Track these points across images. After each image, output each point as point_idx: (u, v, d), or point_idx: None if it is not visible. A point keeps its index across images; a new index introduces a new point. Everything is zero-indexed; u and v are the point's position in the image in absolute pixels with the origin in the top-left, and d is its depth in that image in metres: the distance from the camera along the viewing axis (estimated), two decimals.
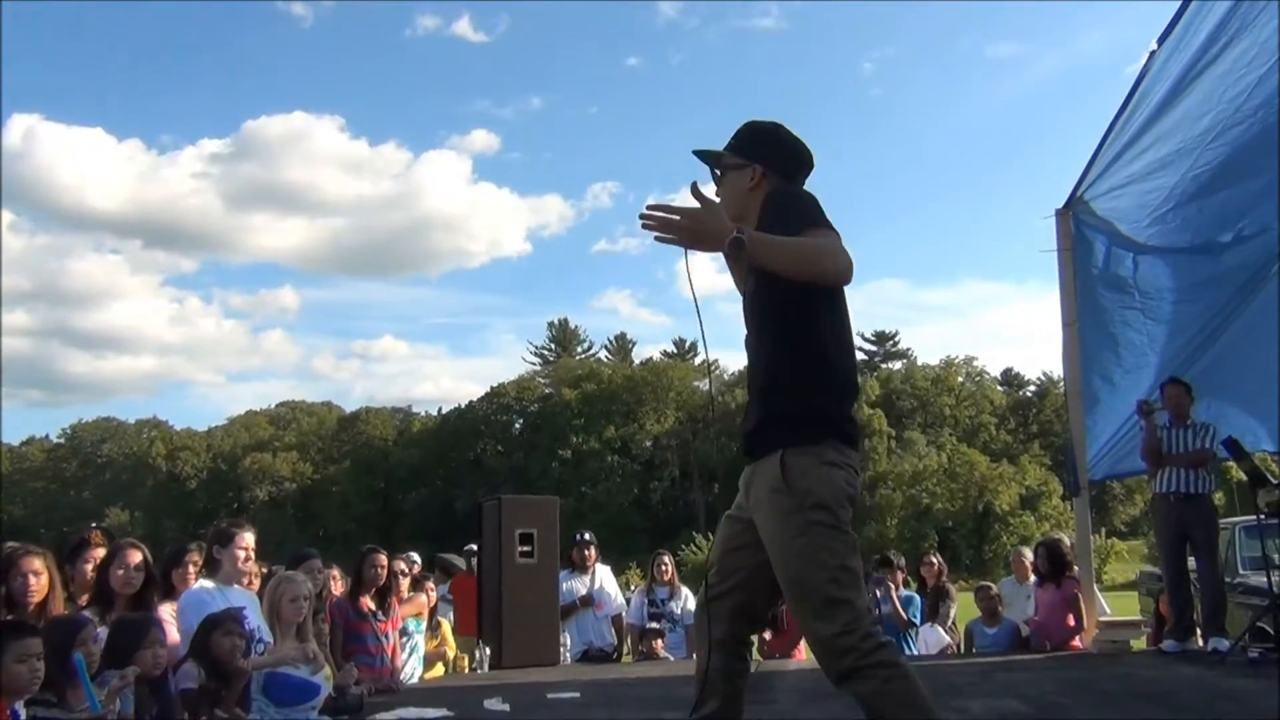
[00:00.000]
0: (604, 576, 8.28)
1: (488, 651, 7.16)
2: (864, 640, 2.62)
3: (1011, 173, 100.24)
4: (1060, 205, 8.02)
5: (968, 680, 5.79)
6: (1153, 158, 7.08)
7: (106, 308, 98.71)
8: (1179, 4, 6.20)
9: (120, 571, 4.63)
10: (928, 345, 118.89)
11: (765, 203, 2.98)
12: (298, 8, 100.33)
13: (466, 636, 7.80)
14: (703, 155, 3.16)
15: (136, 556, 4.74)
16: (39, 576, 4.18)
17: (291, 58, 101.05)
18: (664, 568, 8.45)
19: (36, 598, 4.18)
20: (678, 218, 2.59)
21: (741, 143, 3.12)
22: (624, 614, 8.35)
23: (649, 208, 2.59)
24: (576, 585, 8.04)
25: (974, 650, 7.78)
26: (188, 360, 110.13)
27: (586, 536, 8.39)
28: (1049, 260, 8.07)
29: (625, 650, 8.49)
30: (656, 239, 2.60)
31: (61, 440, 79.56)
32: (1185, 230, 7.35)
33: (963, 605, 8.63)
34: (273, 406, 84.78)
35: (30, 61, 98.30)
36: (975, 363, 76.64)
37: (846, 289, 2.89)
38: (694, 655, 7.88)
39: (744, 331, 3.06)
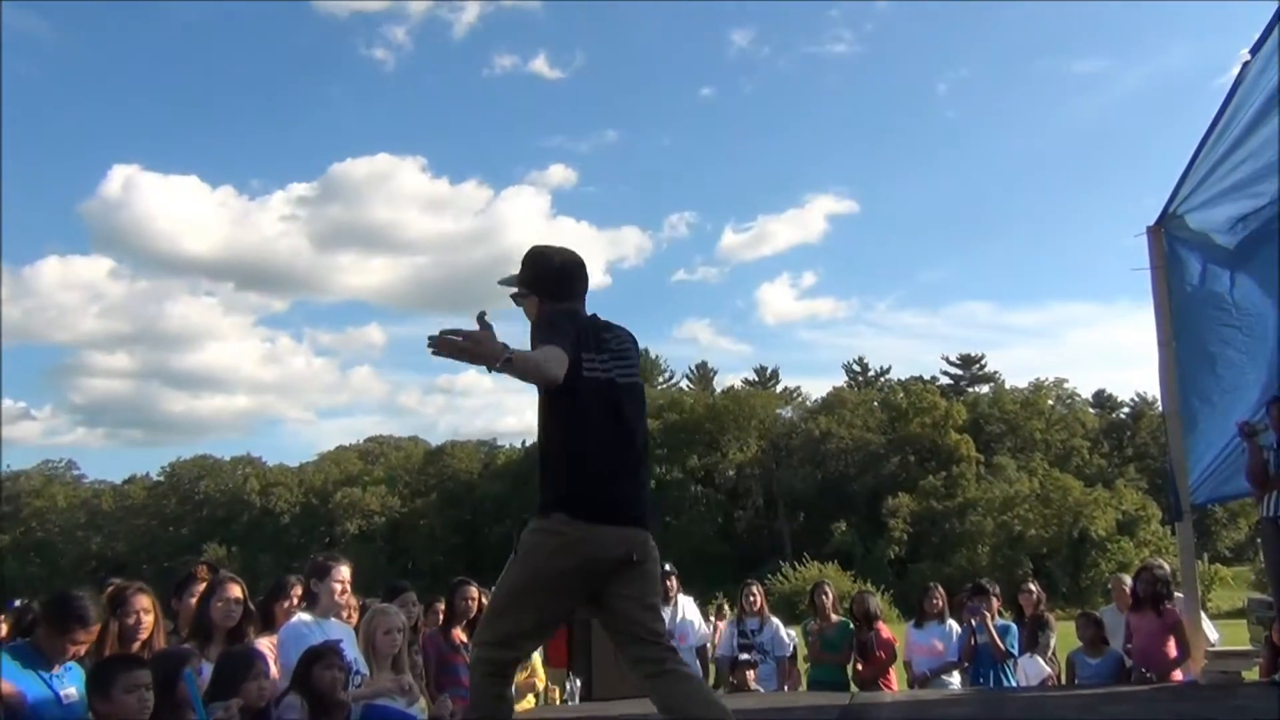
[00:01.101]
0: (686, 607, 8.22)
1: (578, 683, 7.17)
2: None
3: (1097, 191, 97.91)
4: (1152, 222, 7.82)
5: (1072, 713, 5.63)
6: (1249, 170, 6.86)
7: (203, 348, 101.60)
8: (1272, 12, 6.03)
9: (220, 604, 4.76)
10: (1015, 368, 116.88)
11: (535, 323, 3.64)
12: (379, 52, 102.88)
13: (557, 669, 7.82)
14: (505, 282, 3.83)
15: (235, 590, 4.87)
16: (147, 614, 4.33)
17: (374, 101, 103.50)
18: (753, 598, 8.38)
19: (145, 634, 4.32)
20: (461, 339, 3.07)
21: (524, 274, 3.78)
22: (708, 645, 8.28)
23: (441, 332, 3.10)
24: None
25: (1076, 681, 7.55)
26: (279, 398, 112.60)
27: (666, 568, 8.30)
28: (1139, 279, 7.88)
29: (711, 682, 8.42)
30: (434, 353, 3.08)
31: (161, 478, 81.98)
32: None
33: (1061, 635, 8.39)
34: (361, 441, 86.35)
35: (129, 114, 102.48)
36: (1066, 385, 74.73)
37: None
38: (784, 687, 7.81)
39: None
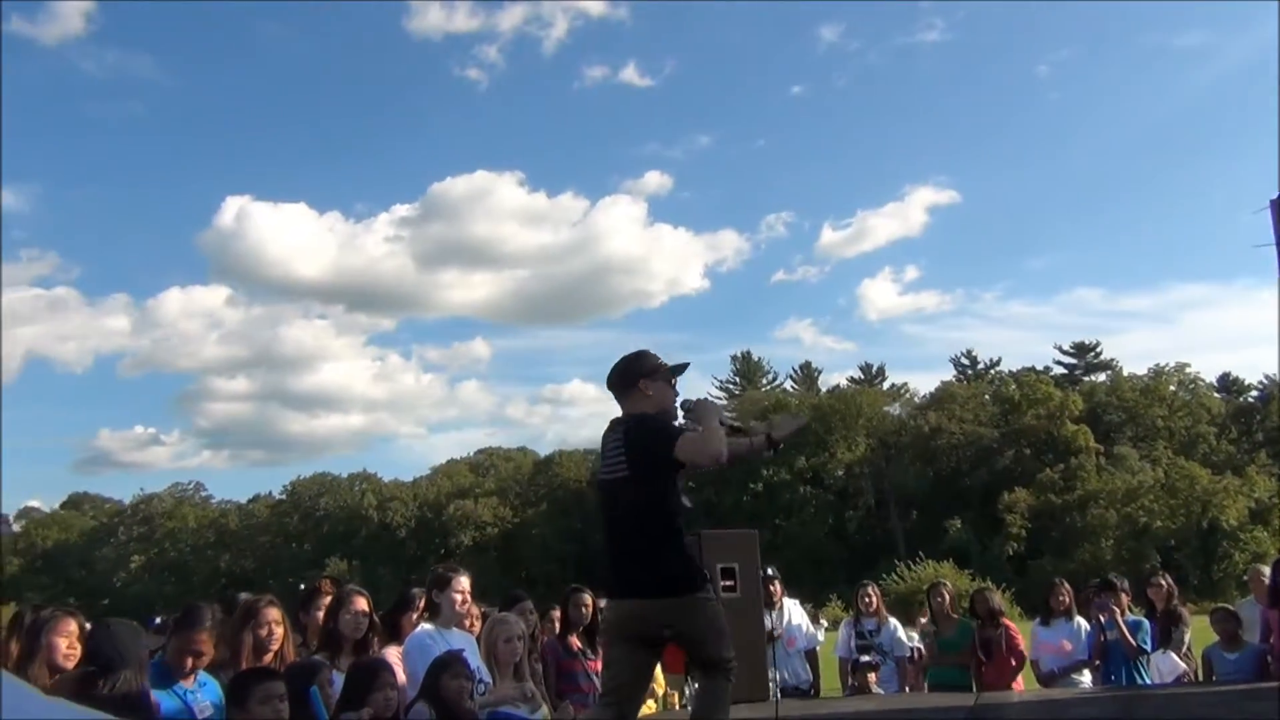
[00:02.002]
0: (792, 611, 8.13)
1: (696, 688, 7.15)
2: None
3: (1208, 167, 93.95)
4: (1275, 196, 7.48)
5: (1213, 711, 5.40)
6: None
7: (317, 369, 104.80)
8: None
9: (348, 617, 4.89)
10: (1133, 354, 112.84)
11: (636, 420, 4.32)
12: (473, 72, 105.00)
13: (675, 674, 7.82)
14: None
15: (362, 603, 5.00)
16: (278, 626, 4.47)
17: (470, 120, 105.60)
18: (869, 599, 8.25)
19: (276, 645, 4.46)
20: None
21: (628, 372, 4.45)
22: (818, 647, 8.18)
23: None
24: (765, 623, 7.89)
25: (1214, 678, 7.24)
26: (391, 414, 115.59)
27: (769, 571, 8.19)
28: (1262, 256, 7.53)
29: (825, 685, 8.32)
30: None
31: (283, 496, 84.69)
32: None
33: (1194, 630, 8.06)
34: (472, 454, 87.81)
35: (238, 147, 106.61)
36: (1188, 370, 71.75)
37: None
38: (905, 688, 7.66)
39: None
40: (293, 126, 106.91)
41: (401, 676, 4.69)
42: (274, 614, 4.56)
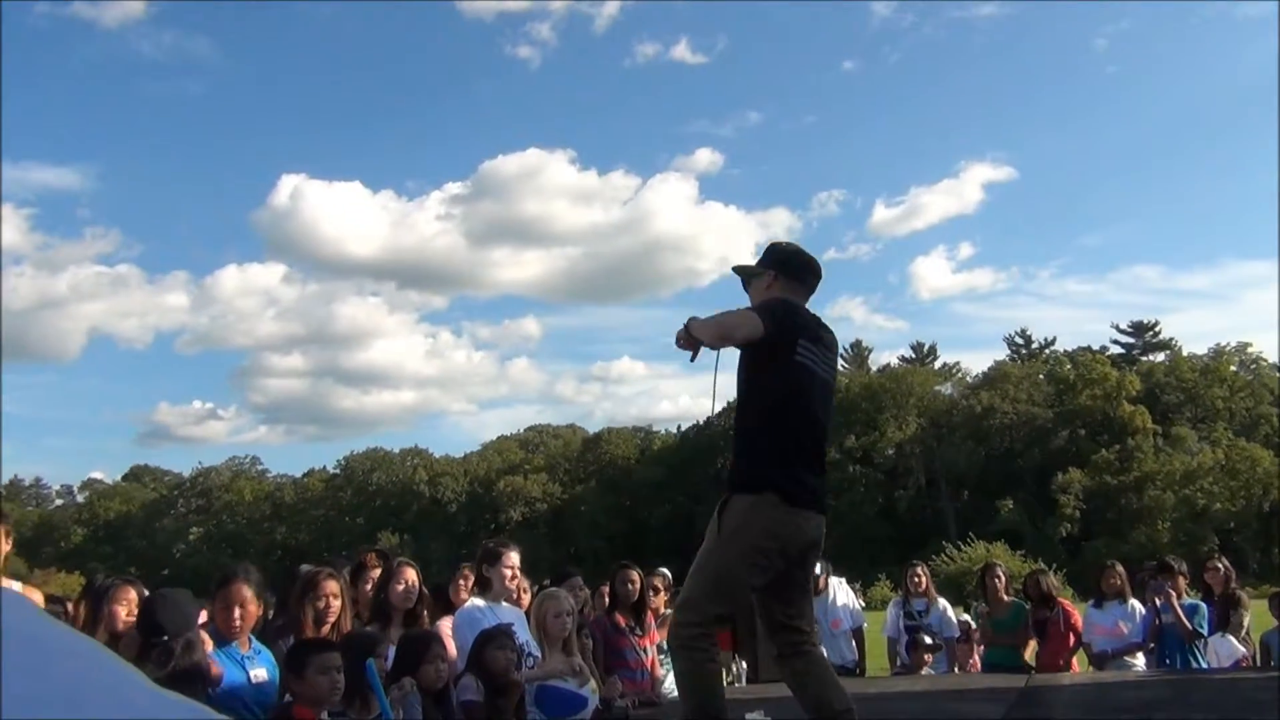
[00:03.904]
0: (839, 591, 8.10)
1: (744, 666, 7.17)
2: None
3: (1269, 140, 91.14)
4: None
5: (1270, 695, 5.30)
6: None
7: (370, 346, 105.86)
8: None
9: (400, 588, 4.96)
10: (1192, 333, 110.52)
11: (763, 302, 3.90)
12: (524, 50, 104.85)
13: (722, 651, 7.85)
14: (741, 268, 4.19)
15: (412, 575, 5.07)
16: (336, 598, 4.54)
17: (522, 98, 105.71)
18: (919, 579, 8.20)
19: (334, 617, 4.54)
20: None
21: (764, 257, 4.12)
22: (864, 626, 8.15)
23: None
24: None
25: (1272, 663, 7.10)
26: (443, 391, 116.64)
27: (819, 566, 8.13)
28: None
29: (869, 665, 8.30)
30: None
31: (337, 471, 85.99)
32: None
33: (1254, 614, 7.91)
34: (521, 431, 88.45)
35: (293, 125, 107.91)
36: (1249, 349, 70.12)
37: None
38: (954, 669, 7.63)
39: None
40: (346, 105, 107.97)
41: (452, 649, 4.75)
42: (333, 586, 4.63)
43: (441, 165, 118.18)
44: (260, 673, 4.11)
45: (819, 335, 3.84)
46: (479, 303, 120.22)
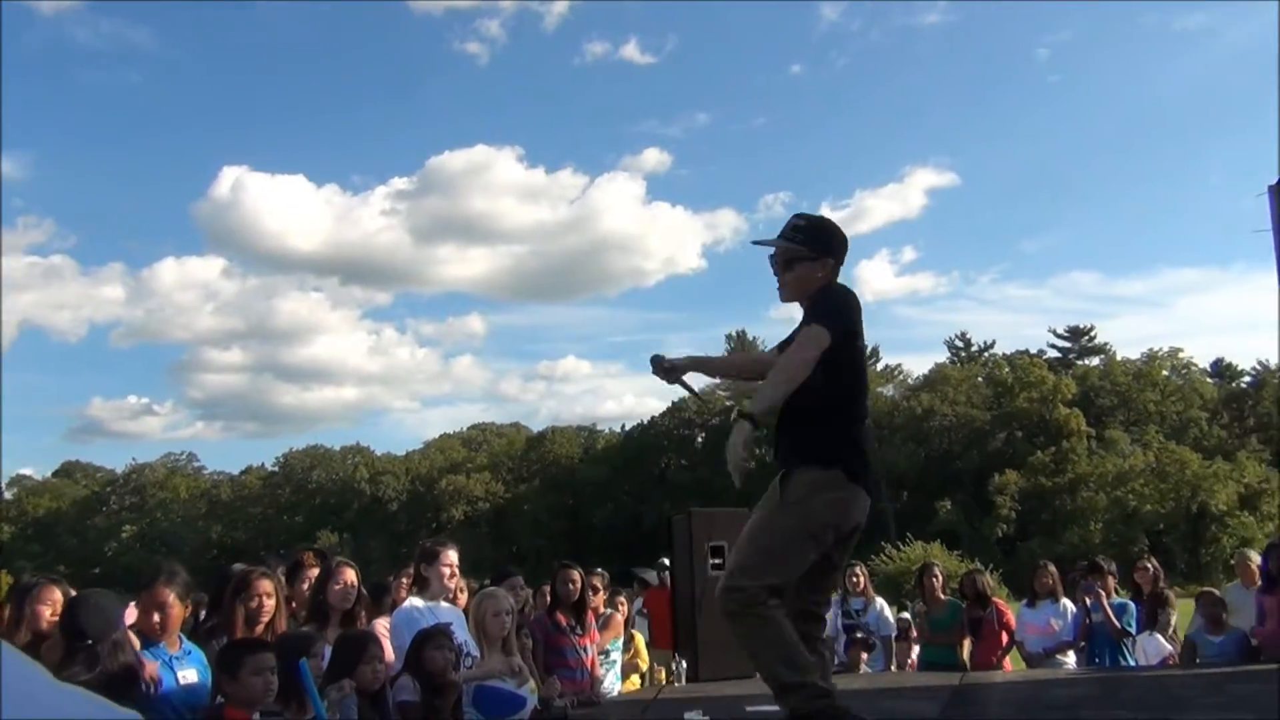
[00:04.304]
0: None
1: (684, 665, 7.19)
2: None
3: (1206, 151, 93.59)
4: (1273, 181, 7.46)
5: (1195, 693, 5.43)
6: None
7: (311, 342, 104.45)
8: None
9: (338, 588, 4.90)
10: (1127, 338, 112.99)
11: (817, 291, 3.89)
12: (473, 46, 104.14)
13: (663, 650, 7.87)
14: (779, 239, 4.02)
15: (350, 574, 5.01)
16: (270, 598, 4.47)
17: (470, 94, 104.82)
18: (856, 578, 8.29)
19: (267, 617, 4.47)
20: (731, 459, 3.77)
21: (813, 236, 3.96)
22: None
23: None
24: None
25: (1197, 661, 7.29)
26: (385, 388, 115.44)
27: None
28: (1257, 241, 7.52)
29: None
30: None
31: (276, 469, 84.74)
32: None
33: (1181, 613, 8.11)
34: (465, 429, 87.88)
35: (236, 117, 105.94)
36: (1181, 354, 71.88)
37: None
38: (891, 667, 7.71)
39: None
40: (290, 97, 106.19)
41: (389, 650, 4.70)
42: (266, 586, 4.56)
43: (387, 160, 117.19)
44: (189, 674, 4.03)
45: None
46: (423, 299, 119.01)
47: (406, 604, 5.00)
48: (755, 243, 4.06)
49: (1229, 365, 73.63)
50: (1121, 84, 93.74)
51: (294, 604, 5.15)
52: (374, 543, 68.58)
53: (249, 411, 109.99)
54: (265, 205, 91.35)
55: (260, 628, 4.45)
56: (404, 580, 5.46)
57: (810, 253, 3.91)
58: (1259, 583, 7.24)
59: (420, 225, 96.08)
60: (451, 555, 5.13)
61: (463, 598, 5.60)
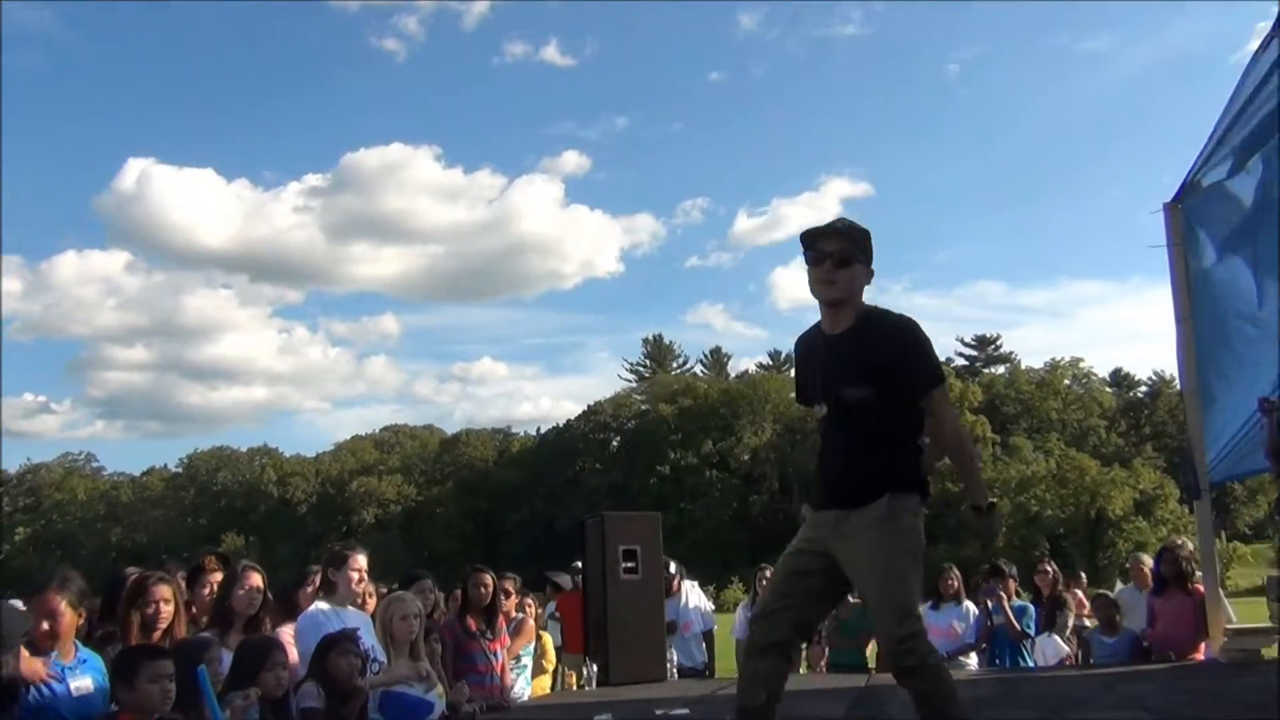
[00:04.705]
0: (690, 595, 8.21)
1: (595, 668, 7.18)
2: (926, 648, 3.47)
3: (1107, 169, 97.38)
4: (1169, 199, 7.75)
5: (1090, 692, 5.61)
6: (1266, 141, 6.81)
7: (219, 341, 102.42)
8: None
9: (242, 593, 4.78)
10: (1030, 348, 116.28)
11: (902, 324, 3.68)
12: (390, 43, 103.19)
13: (574, 654, 7.84)
14: (842, 241, 3.74)
15: (256, 579, 4.89)
16: (167, 603, 4.35)
17: (387, 92, 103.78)
18: (767, 582, 8.36)
19: (165, 623, 4.34)
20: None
21: (867, 245, 3.77)
22: (714, 629, 8.29)
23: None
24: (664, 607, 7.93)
25: (1091, 661, 7.52)
26: (296, 389, 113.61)
27: (671, 568, 8.20)
28: (1153, 256, 7.78)
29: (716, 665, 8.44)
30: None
31: (179, 470, 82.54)
32: None
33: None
34: (377, 431, 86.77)
35: (143, 108, 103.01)
36: (1082, 364, 74.39)
37: None
38: (800, 669, 7.75)
39: None
40: (201, 88, 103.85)
41: (294, 655, 4.60)
42: (163, 591, 4.43)
43: (300, 156, 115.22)
44: (84, 683, 3.89)
45: None
46: (336, 298, 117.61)
47: (312, 609, 4.89)
48: (833, 224, 3.82)
49: (1127, 375, 76.50)
50: (1028, 101, 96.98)
51: (194, 609, 5.02)
52: (282, 546, 67.21)
53: (152, 411, 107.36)
54: (172, 199, 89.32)
55: (158, 634, 4.32)
56: (309, 586, 5.33)
57: (864, 257, 3.75)
58: (1151, 585, 7.51)
59: (334, 223, 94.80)
60: (360, 560, 5.05)
61: (371, 602, 5.51)
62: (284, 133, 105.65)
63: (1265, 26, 6.28)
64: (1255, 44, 6.46)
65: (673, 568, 8.24)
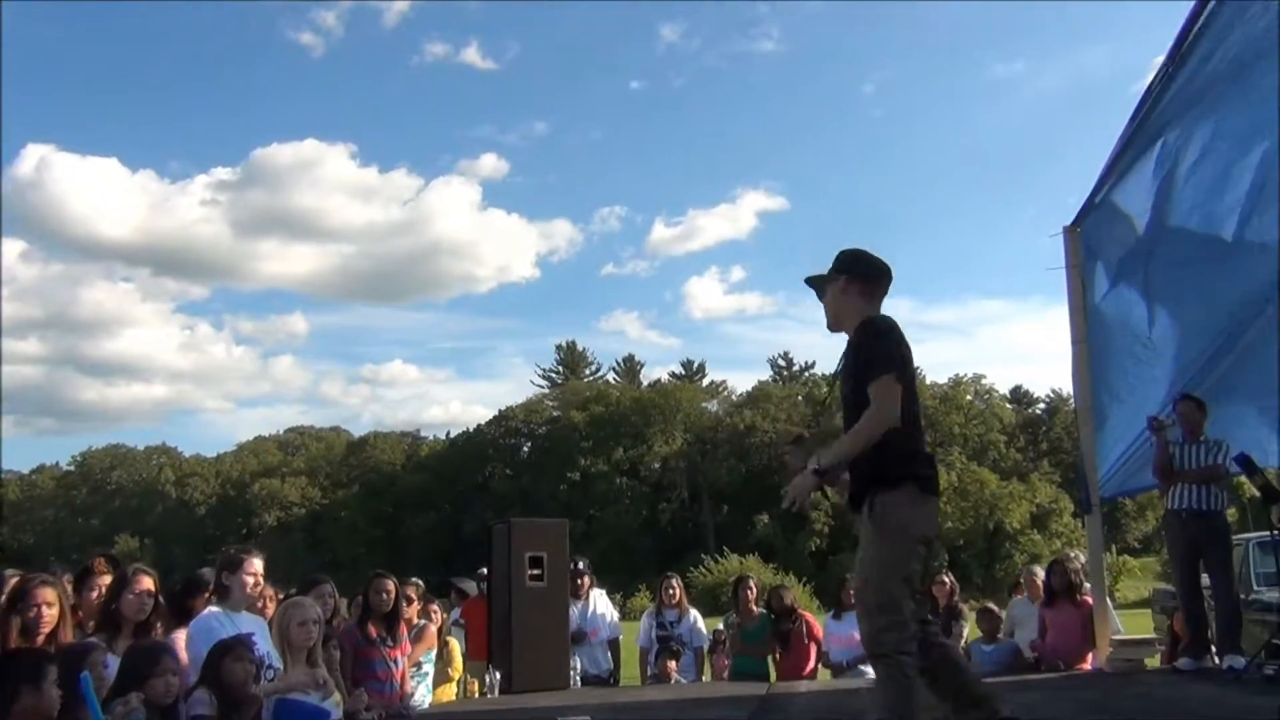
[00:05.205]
0: (598, 601, 8.21)
1: (498, 676, 7.13)
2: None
3: (1015, 191, 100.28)
4: (1068, 223, 8.01)
5: None
6: (1156, 159, 7.10)
7: (118, 335, 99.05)
8: (1182, 23, 6.20)
9: (132, 597, 4.64)
10: (936, 363, 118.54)
11: (862, 326, 3.99)
12: (307, 37, 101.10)
13: (477, 661, 7.77)
14: (810, 281, 4.25)
15: (147, 583, 4.75)
16: (51, 607, 4.19)
17: (302, 86, 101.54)
18: (672, 590, 8.41)
19: (48, 628, 4.19)
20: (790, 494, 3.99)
21: (845, 264, 4.16)
22: (620, 637, 8.29)
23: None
24: (571, 612, 7.90)
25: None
26: (197, 387, 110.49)
27: (580, 565, 8.20)
28: (1055, 278, 8.04)
29: (624, 672, 8.45)
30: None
31: (72, 468, 79.70)
32: (1190, 240, 7.34)
33: (973, 625, 8.59)
34: (281, 432, 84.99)
35: (45, 93, 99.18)
36: (984, 381, 76.33)
37: None
38: (703, 677, 7.80)
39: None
40: (106, 75, 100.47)
41: (185, 661, 4.48)
42: (46, 594, 4.27)
43: (209, 148, 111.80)
44: None
45: (908, 343, 4.03)
46: (243, 295, 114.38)
47: (206, 613, 4.77)
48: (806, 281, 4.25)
49: (1026, 393, 78.80)
50: (941, 122, 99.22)
51: (80, 614, 4.85)
52: (179, 549, 65.36)
53: (44, 406, 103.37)
54: (73, 187, 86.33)
55: (41, 638, 4.17)
56: (204, 590, 5.19)
57: (837, 278, 4.10)
58: (1043, 597, 7.74)
59: (243, 218, 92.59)
60: (257, 564, 4.94)
61: (268, 607, 5.39)
62: (193, 124, 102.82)
63: (1160, 60, 6.54)
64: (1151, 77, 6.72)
65: (582, 565, 8.23)
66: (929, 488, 3.88)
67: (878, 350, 3.87)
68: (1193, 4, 6.00)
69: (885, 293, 4.19)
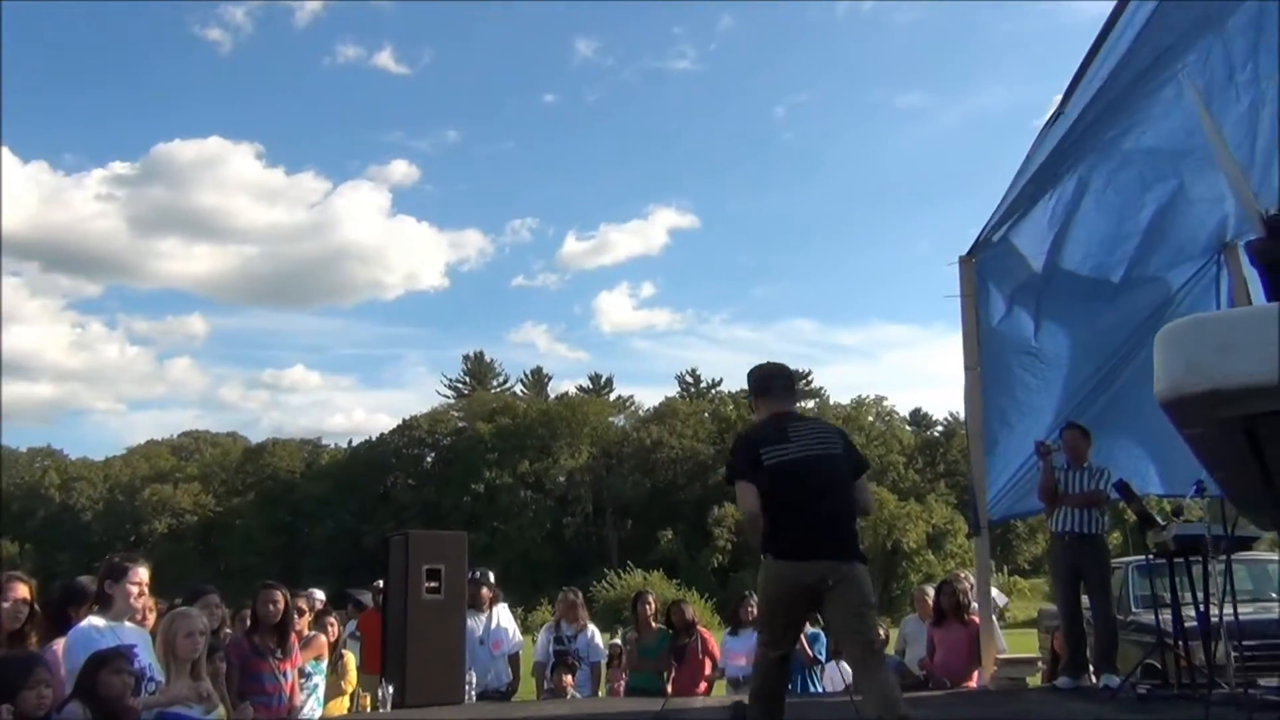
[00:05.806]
0: (501, 614, 8.16)
1: (390, 690, 7.02)
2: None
3: (918, 219, 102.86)
4: (964, 253, 8.25)
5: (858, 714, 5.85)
6: (1052, 207, 7.37)
7: (3, 331, 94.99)
8: (1079, 64, 6.47)
9: (6, 605, 4.48)
10: (839, 385, 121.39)
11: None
12: (214, 33, 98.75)
13: (371, 674, 7.64)
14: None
15: (22, 590, 4.59)
16: None
17: (207, 83, 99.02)
18: (570, 605, 8.40)
19: None
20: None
21: (749, 386, 5.09)
22: (520, 652, 8.25)
23: None
24: (473, 624, 7.85)
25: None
26: (87, 387, 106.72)
27: (478, 575, 8.14)
28: (954, 305, 8.26)
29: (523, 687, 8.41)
30: None
31: None
32: (1082, 283, 7.64)
33: None
34: (175, 436, 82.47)
35: None
36: (885, 403, 78.00)
37: None
38: (598, 692, 7.80)
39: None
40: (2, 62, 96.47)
41: (62, 672, 4.32)
42: None
43: (107, 142, 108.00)
44: None
45: (783, 430, 4.72)
46: (139, 294, 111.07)
47: (85, 623, 4.60)
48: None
49: (925, 415, 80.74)
50: (849, 148, 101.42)
51: None
52: (62, 555, 62.84)
53: None
54: None
55: None
56: (84, 600, 5.02)
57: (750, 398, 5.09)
58: (933, 616, 7.94)
59: (140, 215, 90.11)
60: (141, 573, 4.78)
61: (151, 618, 5.23)
62: (90, 116, 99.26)
63: (1059, 99, 6.81)
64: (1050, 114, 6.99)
65: (486, 577, 8.17)
66: (783, 555, 4.60)
67: (730, 460, 4.90)
68: (1087, 49, 6.29)
69: (780, 389, 4.96)
